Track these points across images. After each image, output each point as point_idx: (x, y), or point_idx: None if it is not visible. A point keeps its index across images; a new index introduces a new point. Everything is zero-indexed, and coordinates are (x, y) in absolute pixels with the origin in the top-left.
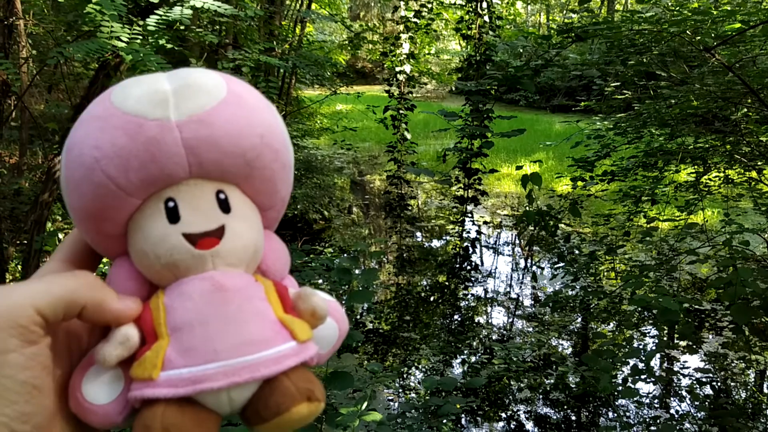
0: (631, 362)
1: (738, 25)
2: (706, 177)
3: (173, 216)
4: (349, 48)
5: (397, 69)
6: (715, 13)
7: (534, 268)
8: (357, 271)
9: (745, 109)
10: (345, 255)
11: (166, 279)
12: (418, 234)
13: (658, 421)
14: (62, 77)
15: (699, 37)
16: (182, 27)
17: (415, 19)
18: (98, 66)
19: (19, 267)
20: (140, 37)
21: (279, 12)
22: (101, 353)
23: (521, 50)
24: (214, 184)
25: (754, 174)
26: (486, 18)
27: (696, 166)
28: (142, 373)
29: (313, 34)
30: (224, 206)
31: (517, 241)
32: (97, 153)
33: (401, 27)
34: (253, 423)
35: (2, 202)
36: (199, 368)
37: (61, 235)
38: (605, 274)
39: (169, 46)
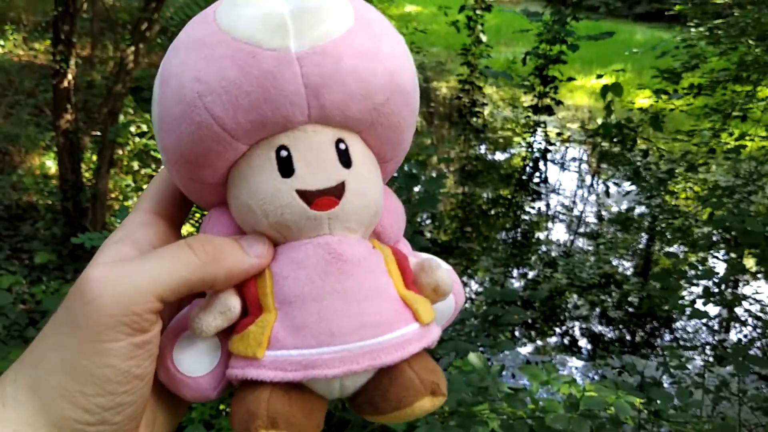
0: (701, 285)
1: None
2: None
3: (286, 168)
4: None
5: None
6: None
7: (604, 185)
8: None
9: None
10: (409, 162)
11: (273, 239)
12: (484, 145)
13: (722, 344)
14: None
15: None
16: None
17: None
18: None
19: (94, 157)
20: None
21: None
22: (198, 323)
23: None
24: (334, 131)
25: None
26: None
27: None
28: (245, 350)
29: None
30: (345, 159)
31: (585, 157)
32: (200, 87)
33: None
34: (367, 412)
35: (76, 93)
36: (312, 351)
37: (133, 129)
38: (679, 193)
39: None
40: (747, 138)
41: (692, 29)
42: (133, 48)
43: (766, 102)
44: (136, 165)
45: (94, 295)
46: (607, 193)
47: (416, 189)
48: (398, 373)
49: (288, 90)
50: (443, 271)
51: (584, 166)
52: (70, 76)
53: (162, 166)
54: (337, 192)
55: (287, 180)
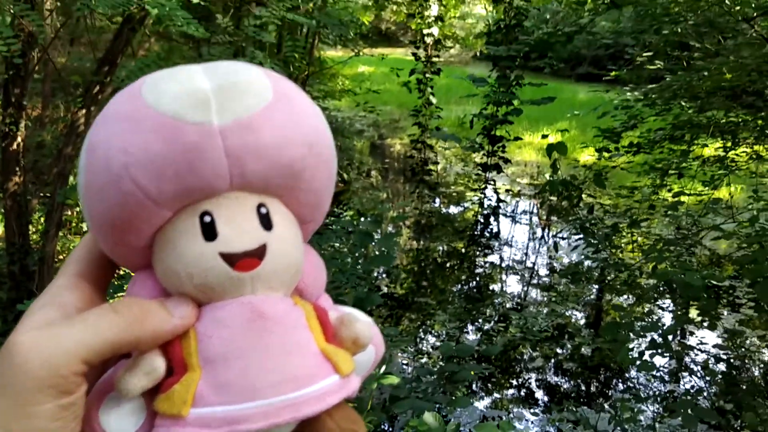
0: (649, 336)
1: None
2: (733, 152)
3: (210, 232)
4: (373, 8)
5: (425, 31)
6: None
7: (554, 238)
8: (377, 236)
9: None
10: (365, 218)
11: (197, 300)
12: (438, 200)
13: (673, 395)
14: (86, 30)
15: (738, 7)
16: None
17: None
18: (123, 19)
19: (42, 219)
20: None
21: None
22: (124, 383)
23: (547, 16)
24: (255, 196)
25: None
26: None
27: (724, 141)
28: (170, 409)
29: None
30: (266, 222)
31: (536, 211)
32: (126, 158)
33: None
34: None
35: (25, 154)
36: (236, 407)
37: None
38: (625, 247)
39: (195, 0)
40: (683, 195)
41: (628, 93)
42: (84, 110)
43: (700, 160)
44: (85, 227)
45: (22, 359)
46: (556, 248)
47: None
48: (320, 425)
49: (211, 161)
50: (362, 323)
51: (535, 219)
52: (19, 139)
53: (87, 232)
54: (258, 253)
55: (211, 243)
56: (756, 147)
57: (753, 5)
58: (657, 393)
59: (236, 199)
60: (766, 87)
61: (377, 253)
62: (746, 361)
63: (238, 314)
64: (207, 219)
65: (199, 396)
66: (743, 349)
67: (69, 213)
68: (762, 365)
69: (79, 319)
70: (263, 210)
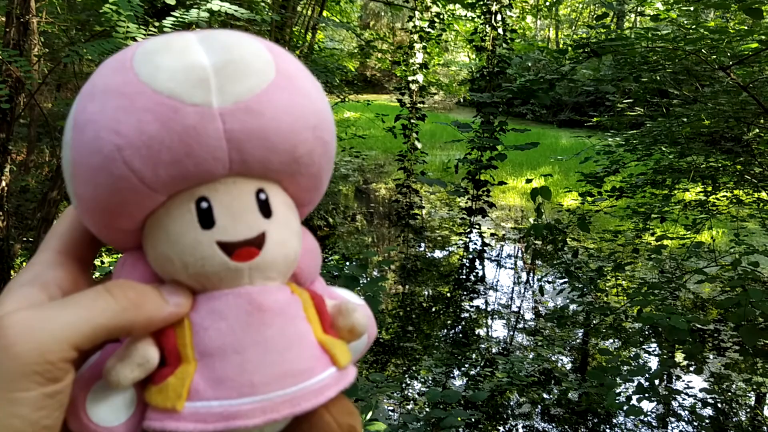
0: (635, 380)
1: (755, 44)
2: (714, 196)
3: (207, 220)
4: (359, 56)
5: (410, 78)
6: (732, 32)
7: (539, 282)
8: (363, 281)
9: (758, 130)
10: (350, 263)
11: (192, 289)
12: (423, 244)
13: None
14: (73, 75)
15: (714, 56)
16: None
17: (429, 29)
18: None
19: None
20: None
21: (291, 18)
22: (115, 374)
23: (529, 64)
24: (254, 182)
25: (763, 195)
26: (500, 30)
27: (705, 185)
28: (163, 402)
29: (323, 41)
30: (265, 209)
31: (521, 255)
32: (119, 140)
33: (415, 36)
34: None
35: (9, 198)
36: (233, 402)
37: None
38: (609, 290)
39: None
40: (666, 239)
41: (609, 138)
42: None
43: (681, 204)
44: None
45: (10, 342)
46: (542, 292)
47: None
48: (317, 418)
49: (211, 145)
50: (359, 313)
51: (520, 263)
52: (3, 183)
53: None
54: (257, 242)
55: (207, 232)
56: (736, 191)
57: (728, 54)
58: None
59: (234, 185)
60: (744, 133)
61: (363, 297)
62: (733, 405)
63: (235, 306)
64: (204, 205)
65: (195, 390)
66: (729, 393)
67: None
68: (748, 409)
69: (71, 301)
70: (262, 196)
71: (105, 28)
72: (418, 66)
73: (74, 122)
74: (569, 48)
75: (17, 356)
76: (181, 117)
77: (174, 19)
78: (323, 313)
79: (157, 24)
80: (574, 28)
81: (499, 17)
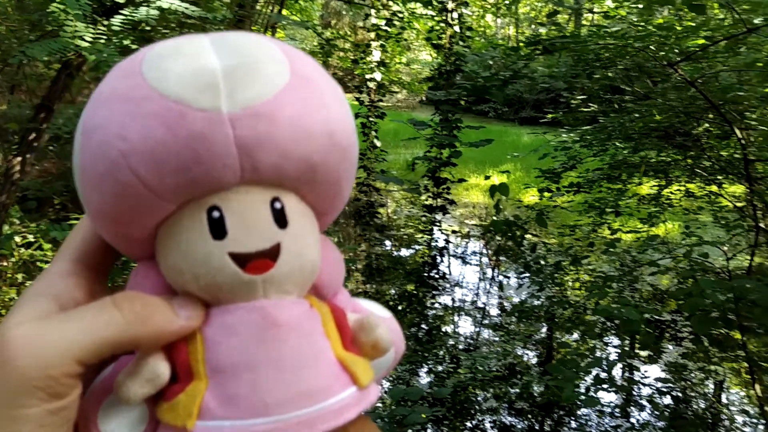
0: (594, 372)
1: (701, 41)
2: (667, 190)
3: (218, 230)
4: (320, 55)
5: (368, 77)
6: (679, 29)
7: (500, 277)
8: None
9: (707, 124)
10: None
11: (204, 301)
12: (387, 242)
13: (618, 430)
14: (24, 77)
15: (663, 53)
16: (148, 28)
17: (386, 27)
18: (60, 66)
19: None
20: (104, 37)
21: (249, 17)
22: (125, 390)
23: (490, 62)
24: (269, 190)
25: (714, 188)
26: (456, 28)
27: (658, 180)
28: (174, 420)
29: (283, 40)
30: (280, 219)
31: (484, 251)
32: (124, 145)
33: (372, 34)
34: None
35: None
36: (246, 422)
37: (18, 239)
38: (570, 284)
39: (134, 47)
40: (620, 233)
41: (564, 135)
42: (19, 158)
43: (635, 198)
44: (20, 277)
45: (9, 356)
46: (501, 287)
47: None
48: None
49: (220, 152)
50: (383, 328)
51: (485, 260)
52: None
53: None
54: (272, 254)
55: (219, 242)
56: (689, 185)
57: (676, 51)
58: (605, 429)
59: (247, 194)
60: (694, 128)
61: None
62: (689, 393)
63: (248, 321)
64: (215, 214)
65: (206, 408)
66: (687, 382)
67: (4, 263)
68: (705, 397)
69: (75, 314)
70: (278, 205)
71: (54, 27)
72: (375, 64)
73: (83, 127)
74: (522, 45)
75: (19, 371)
76: (189, 122)
77: (123, 17)
78: (344, 328)
79: (105, 23)
80: (533, 26)
81: (455, 15)
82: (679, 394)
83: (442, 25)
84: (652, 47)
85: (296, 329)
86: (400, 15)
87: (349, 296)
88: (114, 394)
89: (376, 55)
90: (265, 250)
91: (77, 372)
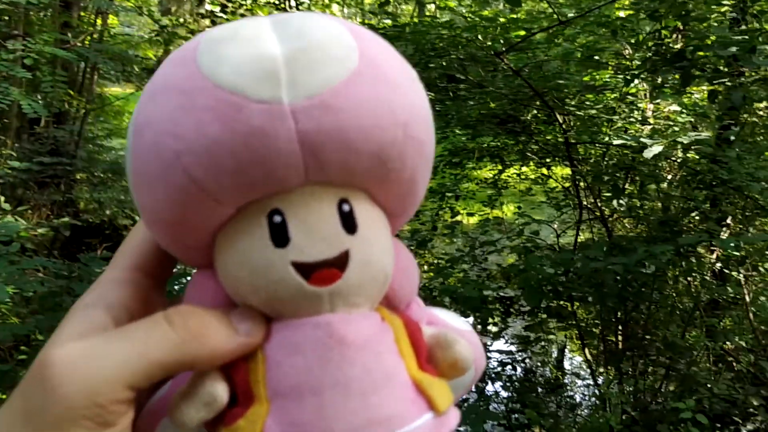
0: None
1: (522, 32)
2: (505, 174)
3: (280, 236)
4: (159, 43)
5: None
6: (502, 20)
7: None
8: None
9: (534, 111)
10: None
11: (265, 315)
12: None
13: (466, 403)
14: None
15: (490, 43)
16: None
17: (222, 14)
18: None
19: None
20: None
21: (77, 2)
22: (180, 415)
23: None
24: (336, 191)
25: (544, 170)
26: None
27: (495, 164)
28: None
29: (117, 27)
30: (349, 223)
31: None
32: (177, 144)
33: (207, 21)
34: None
35: None
36: None
37: None
38: (420, 267)
39: None
40: (460, 216)
41: None
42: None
43: (474, 182)
44: None
45: (56, 383)
46: None
47: None
48: None
49: (281, 149)
50: (462, 345)
51: None
52: None
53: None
54: (339, 263)
55: (282, 250)
56: (524, 168)
57: (501, 42)
58: (458, 404)
59: (312, 195)
60: (523, 114)
61: None
62: (532, 362)
63: (313, 339)
64: (277, 219)
65: None
66: (531, 352)
67: None
68: (545, 365)
69: (124, 333)
70: (346, 207)
71: None
72: None
73: (134, 125)
74: None
75: (64, 399)
76: (246, 116)
77: None
78: (419, 343)
79: None
80: (380, 17)
81: (294, 2)
82: (525, 364)
83: (281, 12)
84: (479, 37)
85: (366, 347)
86: (240, 2)
87: (424, 306)
88: (168, 418)
89: None
90: (332, 259)
91: (128, 398)
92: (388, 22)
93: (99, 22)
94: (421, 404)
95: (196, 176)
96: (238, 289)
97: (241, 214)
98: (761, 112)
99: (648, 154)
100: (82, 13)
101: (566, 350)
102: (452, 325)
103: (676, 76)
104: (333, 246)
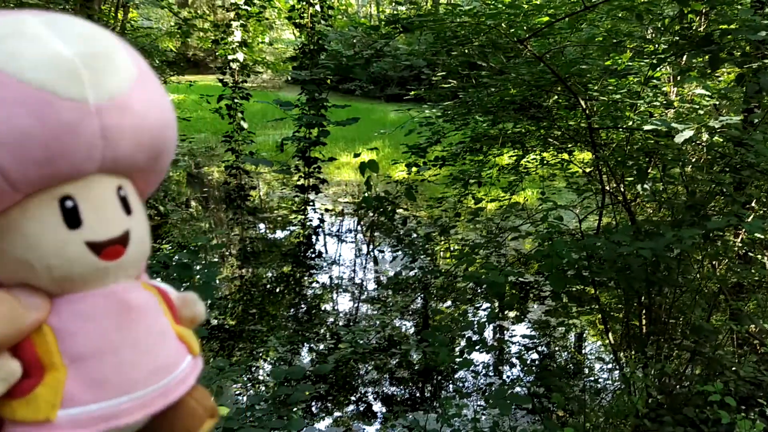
0: (467, 335)
1: (546, 18)
2: (525, 160)
3: (73, 219)
4: (178, 35)
5: (230, 57)
6: (526, 7)
7: (375, 252)
8: (198, 267)
9: (556, 96)
10: (185, 251)
11: (49, 293)
12: (261, 225)
13: (492, 387)
14: None
15: (513, 30)
16: None
17: (246, 7)
18: None
19: None
20: None
21: None
22: None
23: (353, 40)
24: (114, 178)
25: (565, 156)
26: (318, 7)
27: (516, 150)
28: (34, 414)
29: (137, 20)
30: (126, 206)
31: (359, 228)
32: None
33: (231, 14)
34: None
35: None
36: (113, 402)
37: None
38: (441, 254)
39: None
40: (483, 202)
41: (426, 111)
42: None
43: (495, 168)
44: None
45: None
46: (375, 261)
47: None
48: (183, 405)
49: (87, 143)
50: (201, 303)
51: (360, 236)
52: None
53: None
54: (123, 240)
55: (74, 232)
56: (544, 154)
57: (525, 28)
58: (479, 388)
59: (99, 182)
60: (545, 100)
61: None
62: (551, 346)
63: (104, 307)
64: (69, 204)
65: (69, 396)
66: (551, 337)
67: None
68: (566, 349)
69: None
70: (122, 192)
71: None
72: (237, 44)
73: None
74: (382, 24)
75: None
76: (56, 112)
77: None
78: (172, 306)
79: None
80: (393, 4)
81: None
82: (545, 349)
83: (303, 3)
84: (503, 24)
85: (146, 310)
86: None
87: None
88: None
89: (237, 35)
90: (118, 237)
91: None
92: (403, 8)
93: (120, 15)
94: (184, 350)
95: (4, 166)
96: (23, 272)
97: (29, 199)
98: None
99: (679, 139)
100: (104, 7)
101: (585, 335)
102: (175, 293)
103: (702, 59)
104: (118, 226)
